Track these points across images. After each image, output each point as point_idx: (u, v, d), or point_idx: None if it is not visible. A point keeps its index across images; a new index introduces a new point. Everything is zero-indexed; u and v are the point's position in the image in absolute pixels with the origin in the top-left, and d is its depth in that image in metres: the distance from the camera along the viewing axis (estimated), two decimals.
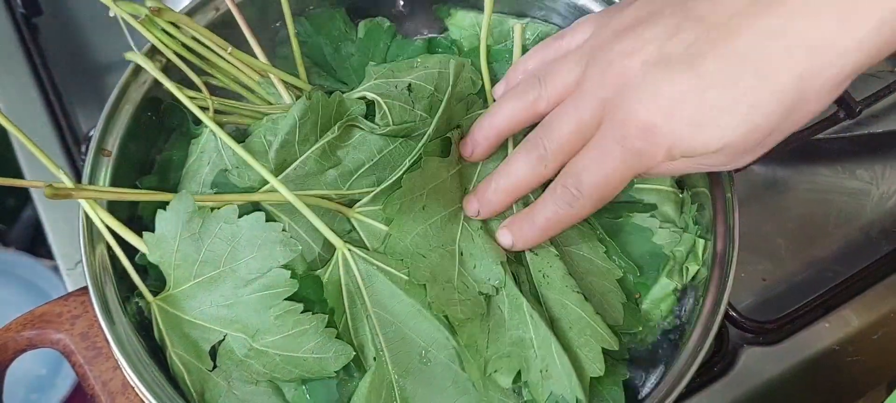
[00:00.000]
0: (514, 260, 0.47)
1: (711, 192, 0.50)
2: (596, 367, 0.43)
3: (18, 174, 0.67)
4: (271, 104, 0.53)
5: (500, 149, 0.49)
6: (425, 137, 0.47)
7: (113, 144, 0.49)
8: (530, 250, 0.46)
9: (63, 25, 0.76)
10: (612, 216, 0.50)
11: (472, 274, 0.45)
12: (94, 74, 0.74)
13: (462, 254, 0.46)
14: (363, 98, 0.51)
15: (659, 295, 0.49)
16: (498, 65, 0.56)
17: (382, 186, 0.46)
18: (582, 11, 0.55)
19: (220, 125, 0.53)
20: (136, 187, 0.51)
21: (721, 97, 0.35)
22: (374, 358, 0.43)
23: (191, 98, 0.50)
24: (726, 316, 0.57)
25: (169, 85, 0.47)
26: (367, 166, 0.49)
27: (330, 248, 0.46)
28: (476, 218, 0.47)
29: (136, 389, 0.41)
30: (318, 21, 0.58)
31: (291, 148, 0.48)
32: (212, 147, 0.49)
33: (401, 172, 0.46)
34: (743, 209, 0.66)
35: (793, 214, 0.67)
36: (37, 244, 1.06)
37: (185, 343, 0.44)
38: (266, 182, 0.47)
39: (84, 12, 0.77)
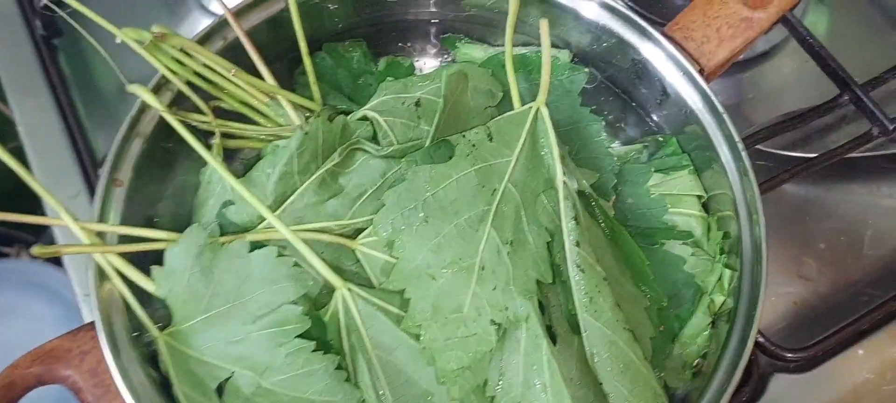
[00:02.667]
0: (556, 276, 0.44)
1: (737, 217, 0.48)
2: None
3: (37, 198, 0.67)
4: (281, 126, 0.52)
5: (530, 149, 0.46)
6: (413, 147, 0.46)
7: (125, 174, 0.49)
8: (577, 266, 0.43)
9: (82, 47, 0.76)
10: (646, 242, 0.49)
11: (489, 297, 0.42)
12: (112, 96, 0.74)
13: (483, 269, 0.43)
14: (365, 118, 0.49)
15: (694, 331, 0.47)
16: (517, 73, 0.55)
17: (379, 212, 0.45)
18: (597, 33, 0.54)
19: (231, 150, 0.53)
20: (150, 216, 0.51)
21: None
22: None
23: (198, 122, 0.49)
24: (757, 344, 0.55)
25: (171, 119, 0.47)
26: (369, 192, 0.48)
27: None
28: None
29: None
30: (337, 54, 0.57)
31: (291, 179, 0.47)
32: (216, 177, 0.49)
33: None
34: (771, 229, 0.64)
35: (825, 235, 0.65)
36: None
37: (191, 379, 0.43)
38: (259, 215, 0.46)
39: (103, 34, 0.77)
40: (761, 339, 0.55)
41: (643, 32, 0.53)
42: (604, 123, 0.55)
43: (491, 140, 0.46)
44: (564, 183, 0.45)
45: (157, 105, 0.48)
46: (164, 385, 0.44)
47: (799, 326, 0.60)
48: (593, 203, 0.47)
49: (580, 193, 0.46)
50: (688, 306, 0.47)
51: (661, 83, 0.53)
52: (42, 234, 1.03)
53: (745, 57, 0.73)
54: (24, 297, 1.02)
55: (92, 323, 0.44)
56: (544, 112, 0.47)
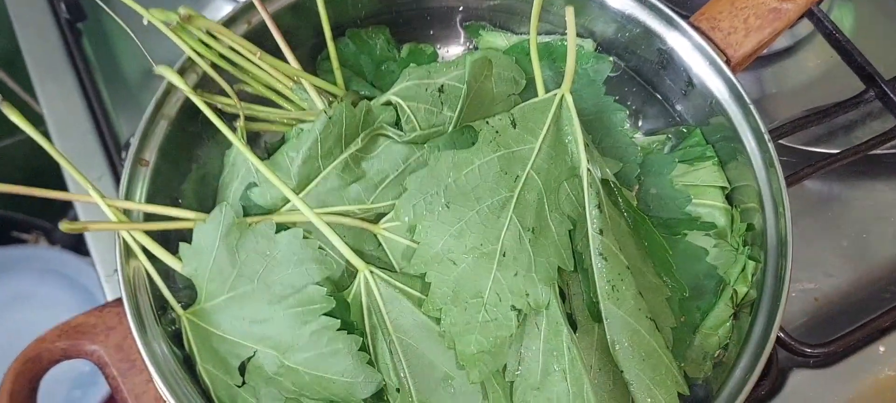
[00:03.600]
0: (577, 264, 0.44)
1: (762, 209, 0.47)
2: None
3: (61, 178, 0.68)
4: (304, 110, 0.52)
5: (554, 136, 0.46)
6: (436, 133, 0.46)
7: (151, 154, 0.49)
8: (600, 254, 0.43)
9: (106, 31, 0.77)
10: (668, 232, 0.48)
11: (510, 283, 0.42)
12: (136, 80, 0.74)
13: (505, 255, 0.43)
14: (389, 103, 0.50)
15: (716, 322, 0.47)
16: (541, 61, 0.54)
17: (401, 197, 0.45)
18: (621, 22, 0.54)
19: (253, 135, 0.53)
20: (175, 197, 0.51)
21: None
22: (397, 390, 0.42)
23: (222, 104, 0.50)
24: (777, 339, 0.54)
25: (198, 101, 0.47)
26: (391, 177, 0.48)
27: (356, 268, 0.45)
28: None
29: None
30: (360, 39, 0.58)
31: (314, 163, 0.47)
32: (241, 160, 0.49)
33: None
34: (795, 226, 0.64)
35: (848, 231, 0.64)
36: (82, 243, 1.08)
37: (214, 357, 0.43)
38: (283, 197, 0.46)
39: (128, 17, 0.78)
40: (781, 334, 0.54)
41: (669, 22, 0.53)
42: (628, 113, 0.55)
43: (514, 127, 0.46)
44: (589, 170, 0.45)
45: (183, 86, 0.49)
46: (186, 363, 0.45)
47: (819, 322, 0.59)
48: (617, 192, 0.47)
49: (604, 182, 0.46)
50: (709, 297, 0.46)
51: (687, 73, 0.52)
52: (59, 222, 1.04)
53: (770, 51, 0.73)
54: (43, 284, 1.04)
55: (118, 300, 0.44)
56: (569, 99, 0.47)
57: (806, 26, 0.71)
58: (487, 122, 0.46)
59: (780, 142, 0.65)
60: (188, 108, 0.51)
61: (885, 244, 0.63)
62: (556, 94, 0.47)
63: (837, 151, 0.60)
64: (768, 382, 0.54)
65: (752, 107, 0.49)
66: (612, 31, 0.56)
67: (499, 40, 0.59)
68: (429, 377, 0.43)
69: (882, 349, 0.56)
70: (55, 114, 0.70)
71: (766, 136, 0.48)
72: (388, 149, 0.49)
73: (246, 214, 0.48)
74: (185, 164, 0.52)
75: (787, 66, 0.74)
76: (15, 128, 0.44)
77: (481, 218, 0.44)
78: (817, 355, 0.55)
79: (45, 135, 0.70)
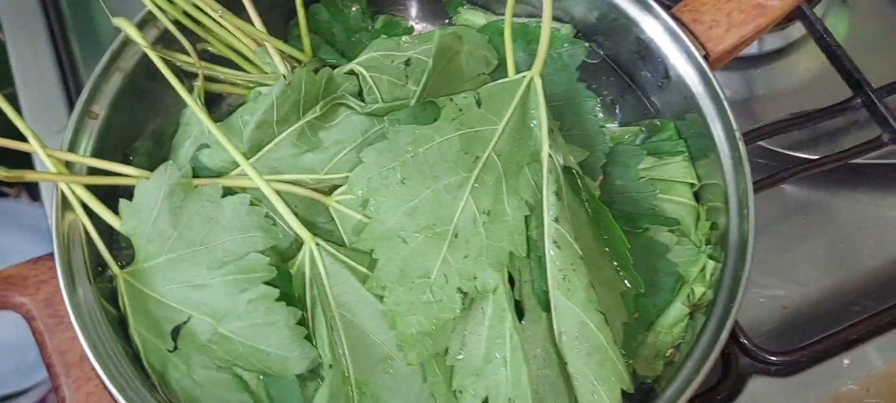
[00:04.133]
0: (531, 251, 0.42)
1: (727, 210, 0.46)
2: None
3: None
4: (267, 74, 0.50)
5: (519, 119, 0.44)
6: (398, 107, 0.44)
7: (101, 107, 0.48)
8: (554, 242, 0.41)
9: None
10: (631, 226, 0.47)
11: (459, 265, 0.41)
12: (109, 40, 0.73)
13: (457, 237, 0.41)
14: (352, 73, 0.48)
15: (672, 321, 0.46)
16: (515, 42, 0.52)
17: (356, 169, 0.43)
18: (603, 8, 0.52)
19: (218, 97, 0.52)
20: (126, 155, 0.49)
21: None
22: (330, 366, 0.41)
23: (182, 62, 0.48)
24: (736, 342, 0.53)
25: (153, 55, 0.46)
26: (349, 148, 0.46)
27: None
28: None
29: (91, 363, 0.39)
30: (334, 7, 0.56)
31: (269, 128, 0.45)
32: (195, 120, 0.47)
33: None
34: (769, 231, 0.63)
35: (825, 240, 0.62)
36: None
37: (147, 320, 0.42)
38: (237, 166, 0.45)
39: None
40: (744, 340, 0.53)
41: (650, 11, 0.51)
42: (599, 101, 0.54)
43: (479, 106, 0.44)
44: (550, 156, 0.43)
45: (140, 40, 0.47)
46: (121, 323, 0.43)
47: (786, 330, 0.58)
48: (579, 181, 0.45)
49: (566, 170, 0.44)
50: (667, 295, 0.45)
51: (664, 65, 0.51)
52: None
53: (761, 52, 0.71)
54: (23, 240, 1.02)
55: (52, 254, 0.42)
56: (538, 82, 0.45)
57: (799, 29, 0.69)
58: (451, 99, 0.44)
59: (761, 143, 0.63)
60: (146, 65, 0.49)
61: (861, 256, 0.61)
62: (525, 76, 0.45)
63: (817, 157, 0.59)
64: (726, 387, 0.52)
65: (726, 104, 0.47)
66: (593, 17, 0.54)
67: (477, 19, 0.57)
68: (368, 356, 0.42)
69: (846, 362, 0.55)
70: (22, 61, 0.68)
71: (738, 135, 0.46)
72: (347, 119, 0.48)
73: (195, 177, 0.46)
74: (141, 122, 0.51)
75: (777, 68, 0.72)
76: None
77: (437, 197, 0.42)
78: (779, 363, 0.54)
79: (11, 82, 0.69)
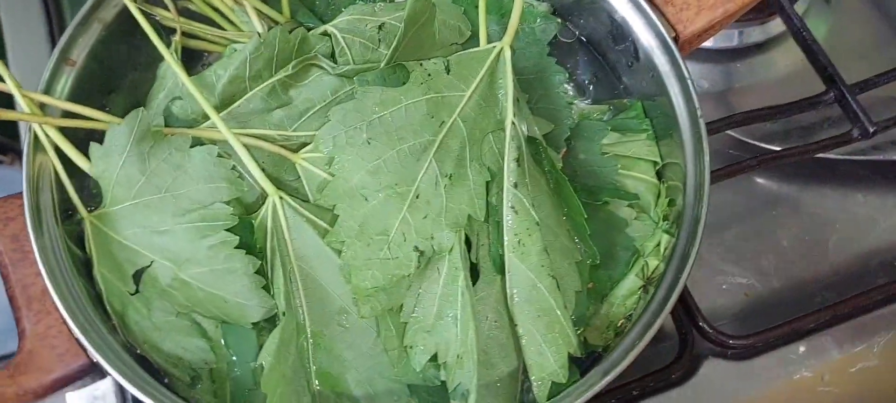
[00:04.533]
0: (490, 215, 0.44)
1: (685, 190, 0.47)
2: (560, 372, 0.41)
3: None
4: (243, 32, 0.51)
5: (487, 87, 0.45)
6: (369, 69, 0.45)
7: (78, 55, 0.48)
8: (512, 207, 0.43)
9: None
10: (591, 199, 0.48)
11: (418, 225, 0.42)
12: None
13: (418, 198, 0.42)
14: (326, 34, 0.49)
15: (625, 293, 0.47)
16: (490, 15, 0.53)
17: (323, 127, 0.44)
18: None
19: (197, 53, 0.53)
20: (102, 104, 0.50)
21: None
22: (284, 313, 0.41)
23: (162, 17, 0.49)
24: (694, 324, 0.54)
25: (131, 5, 0.46)
26: (318, 108, 0.47)
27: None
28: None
29: (52, 298, 0.40)
30: None
31: (241, 84, 0.46)
32: (170, 73, 0.48)
33: None
34: (738, 220, 0.64)
35: (790, 233, 0.63)
36: None
37: (111, 262, 0.43)
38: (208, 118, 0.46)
39: None
40: (702, 323, 0.54)
41: None
42: (574, 80, 0.54)
43: (448, 72, 0.45)
44: (513, 124, 0.44)
45: None
46: (86, 265, 0.44)
47: (746, 316, 0.59)
48: (542, 151, 0.46)
49: (530, 139, 0.45)
50: (622, 268, 0.46)
51: (635, 45, 0.51)
52: None
53: (740, 46, 0.72)
54: None
55: (21, 193, 0.43)
56: (507, 53, 0.46)
57: (779, 25, 0.70)
58: (421, 64, 0.45)
59: (734, 134, 0.64)
60: (126, 17, 0.50)
61: (824, 249, 0.62)
62: (495, 46, 0.46)
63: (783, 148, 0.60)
64: (681, 366, 0.53)
65: (691, 85, 0.48)
66: None
67: None
68: (325, 308, 0.43)
69: (802, 349, 0.56)
70: (12, 16, 0.69)
71: (700, 116, 0.47)
72: (318, 79, 0.48)
73: (168, 126, 0.47)
74: (118, 75, 0.52)
75: (757, 61, 0.72)
76: None
77: (401, 159, 0.43)
78: (736, 346, 0.55)
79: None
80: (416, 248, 0.41)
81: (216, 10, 0.52)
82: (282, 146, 0.46)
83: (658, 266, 0.45)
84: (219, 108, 0.46)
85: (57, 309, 0.40)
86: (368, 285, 0.41)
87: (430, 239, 0.42)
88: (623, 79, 0.55)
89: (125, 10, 0.50)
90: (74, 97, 0.47)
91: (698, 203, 0.45)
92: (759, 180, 0.66)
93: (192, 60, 0.53)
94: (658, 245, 0.46)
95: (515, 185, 0.43)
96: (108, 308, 0.43)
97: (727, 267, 0.61)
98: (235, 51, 0.48)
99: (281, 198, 0.44)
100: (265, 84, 0.47)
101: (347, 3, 0.55)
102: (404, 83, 0.45)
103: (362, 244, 0.41)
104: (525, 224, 0.42)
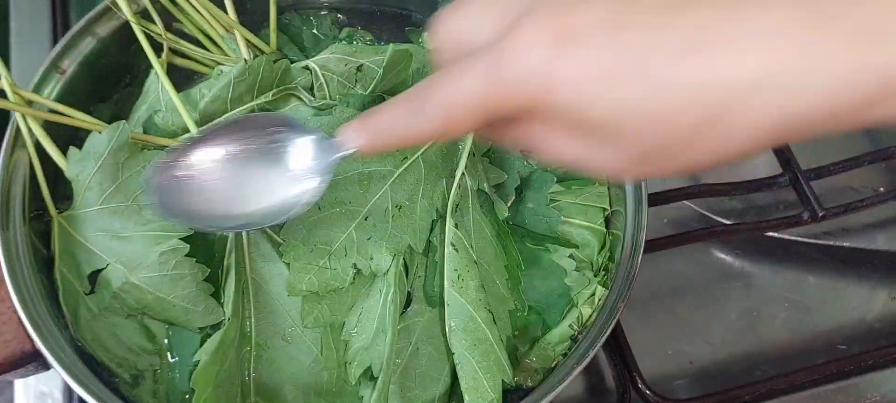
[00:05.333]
0: (428, 250, 0.47)
1: (623, 237, 0.49)
2: (494, 397, 0.43)
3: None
4: (229, 57, 0.54)
5: None
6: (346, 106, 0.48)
7: (70, 64, 0.51)
8: (452, 244, 0.45)
9: None
10: (535, 244, 0.50)
11: (360, 243, 0.44)
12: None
13: (366, 220, 0.45)
14: (307, 68, 0.52)
15: (557, 339, 0.48)
16: None
17: None
18: None
19: (182, 71, 0.55)
20: (89, 111, 0.53)
21: (632, 58, 0.25)
22: (229, 319, 0.43)
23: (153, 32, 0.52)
24: (634, 386, 0.55)
25: (132, 18, 0.50)
26: None
27: None
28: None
29: (7, 288, 0.42)
30: (306, 17, 0.60)
31: (223, 104, 0.49)
32: (154, 87, 0.51)
33: None
34: (689, 289, 0.66)
35: (740, 306, 0.65)
36: None
37: (70, 262, 0.45)
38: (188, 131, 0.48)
39: None
40: (642, 385, 0.55)
41: None
42: None
43: None
44: (463, 175, 0.47)
45: (125, 7, 0.51)
46: (47, 263, 0.46)
47: (688, 384, 0.60)
48: (488, 204, 0.49)
49: (479, 191, 0.48)
50: (556, 315, 0.48)
51: None
52: None
53: None
54: None
55: None
56: None
57: None
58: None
59: (692, 205, 0.66)
60: (122, 34, 0.54)
61: (772, 326, 0.64)
62: None
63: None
64: None
65: None
66: None
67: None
68: (272, 322, 0.45)
69: None
70: (20, 22, 0.72)
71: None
72: (295, 109, 0.51)
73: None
74: (107, 87, 0.55)
75: None
76: None
77: (360, 181, 0.46)
78: None
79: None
80: (355, 266, 0.44)
81: (206, 34, 0.55)
82: None
83: (591, 315, 0.47)
84: (198, 123, 0.49)
85: (10, 299, 0.42)
86: (303, 287, 0.43)
87: (370, 259, 0.45)
88: None
89: (120, 27, 0.53)
90: (62, 100, 0.50)
91: (633, 256, 0.47)
92: (717, 253, 0.68)
93: (181, 80, 0.56)
94: (593, 295, 0.48)
95: (456, 225, 0.46)
96: (62, 304, 0.45)
97: (675, 333, 0.63)
98: (222, 73, 0.51)
99: None
100: (245, 106, 0.50)
101: (332, 42, 0.58)
102: None
103: (306, 248, 0.44)
104: (464, 261, 0.45)
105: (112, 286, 0.44)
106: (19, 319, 0.42)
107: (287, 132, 0.38)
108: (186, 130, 0.49)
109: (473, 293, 0.44)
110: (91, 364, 0.44)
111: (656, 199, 0.60)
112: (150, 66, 0.54)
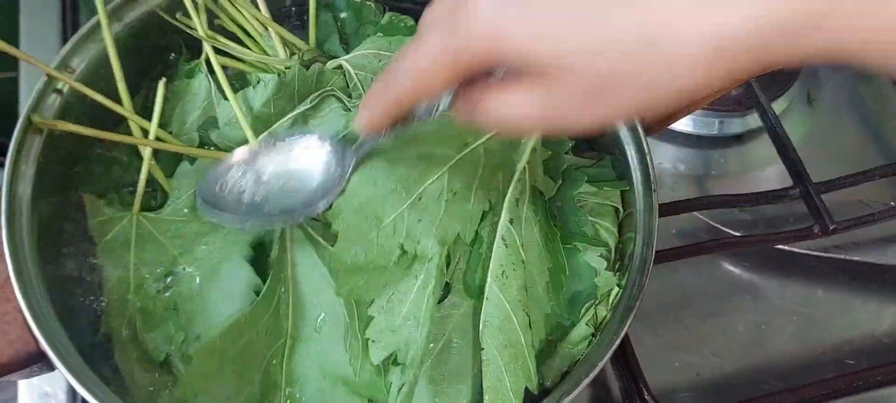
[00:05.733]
0: (475, 242, 0.46)
1: (636, 238, 0.48)
2: (515, 402, 0.43)
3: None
4: (268, 55, 0.54)
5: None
6: None
7: (78, 63, 0.51)
8: (503, 239, 0.46)
9: None
10: (564, 245, 0.50)
11: (410, 224, 0.44)
12: None
13: (420, 200, 0.45)
14: (339, 67, 0.52)
15: (577, 339, 0.48)
16: None
17: None
18: None
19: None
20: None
21: (565, 6, 0.29)
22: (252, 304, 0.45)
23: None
24: (640, 396, 0.55)
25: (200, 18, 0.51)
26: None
27: None
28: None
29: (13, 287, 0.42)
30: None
31: (267, 117, 0.51)
32: (203, 92, 0.52)
33: None
34: (698, 300, 0.65)
35: (748, 319, 0.65)
36: None
37: (143, 257, 0.48)
38: (241, 141, 0.51)
39: None
40: (648, 396, 0.55)
41: None
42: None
43: None
44: (524, 169, 0.48)
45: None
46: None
47: (695, 396, 0.60)
48: (541, 205, 0.49)
49: (535, 188, 0.48)
50: (576, 316, 0.48)
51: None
52: None
53: (720, 135, 0.74)
54: None
55: None
56: None
57: (758, 119, 0.72)
58: None
59: (702, 217, 0.66)
60: (150, 26, 0.54)
61: (779, 339, 0.63)
62: None
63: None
64: None
65: (651, 164, 0.50)
66: None
67: None
68: (306, 317, 0.46)
69: None
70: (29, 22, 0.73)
71: (651, 167, 0.49)
72: (335, 112, 0.52)
73: (200, 144, 0.52)
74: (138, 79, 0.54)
75: (734, 152, 0.75)
76: None
77: (420, 162, 0.46)
78: None
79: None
80: (401, 247, 0.44)
81: (245, 31, 0.55)
82: None
83: (606, 315, 0.47)
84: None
85: (16, 299, 0.42)
86: (347, 259, 0.43)
87: (417, 242, 0.44)
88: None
89: (147, 18, 0.53)
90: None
91: (647, 250, 0.47)
92: (726, 265, 0.68)
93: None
94: (608, 294, 0.47)
95: (511, 221, 0.46)
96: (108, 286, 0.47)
97: (682, 345, 0.62)
98: (260, 82, 0.52)
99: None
100: (287, 116, 0.51)
101: (375, 31, 0.58)
102: None
103: (357, 218, 0.44)
104: (512, 259, 0.45)
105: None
106: (24, 319, 0.41)
107: (315, 141, 0.46)
108: (239, 142, 0.50)
109: (515, 292, 0.44)
110: (94, 366, 0.43)
111: (666, 210, 0.60)
112: (180, 58, 0.55)
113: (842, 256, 0.66)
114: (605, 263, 0.49)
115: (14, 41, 0.71)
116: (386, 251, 0.43)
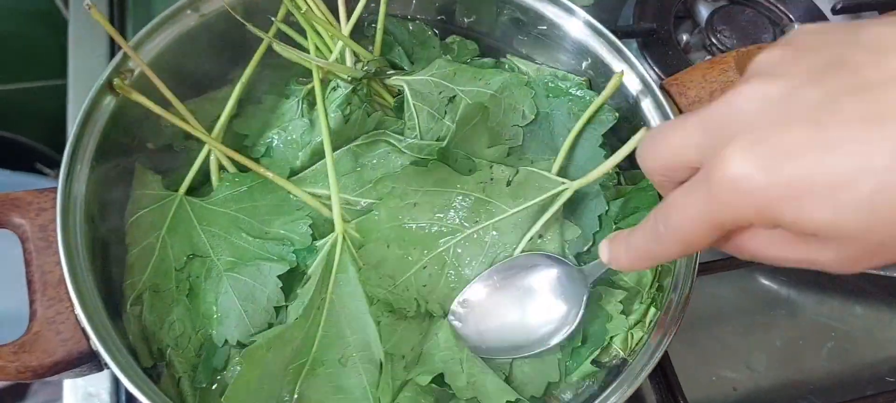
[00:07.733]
0: None
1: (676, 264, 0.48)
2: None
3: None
4: (339, 64, 0.55)
5: (533, 212, 0.50)
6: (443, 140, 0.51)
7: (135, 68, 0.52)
8: None
9: None
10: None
11: (418, 286, 0.47)
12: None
13: (424, 268, 0.48)
14: (401, 93, 0.54)
15: (580, 376, 0.49)
16: (557, 99, 0.57)
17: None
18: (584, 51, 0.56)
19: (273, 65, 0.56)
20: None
21: (845, 165, 0.26)
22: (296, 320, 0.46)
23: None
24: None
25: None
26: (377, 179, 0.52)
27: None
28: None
29: (67, 288, 0.42)
30: (400, 21, 0.62)
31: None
32: (290, 117, 0.54)
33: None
34: (735, 315, 0.65)
35: (786, 335, 0.64)
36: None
37: (179, 238, 0.49)
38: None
39: None
40: None
41: (645, 84, 0.54)
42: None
43: (508, 184, 0.50)
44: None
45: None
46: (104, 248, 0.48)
47: None
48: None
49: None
50: (581, 358, 0.48)
51: (647, 126, 0.54)
52: None
53: None
54: None
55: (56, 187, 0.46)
56: (567, 195, 0.49)
57: None
58: (491, 166, 0.50)
59: None
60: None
61: (816, 355, 0.63)
62: (562, 186, 0.49)
63: None
64: None
65: None
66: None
67: (522, 66, 0.60)
68: (334, 346, 0.46)
69: None
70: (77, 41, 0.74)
71: None
72: (385, 155, 0.53)
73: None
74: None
75: None
76: None
77: (430, 231, 0.49)
78: None
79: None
80: (416, 301, 0.47)
81: (318, 33, 0.55)
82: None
83: (642, 337, 0.47)
84: (304, 163, 0.54)
85: (69, 299, 0.42)
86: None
87: (425, 302, 0.47)
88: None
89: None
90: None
91: (689, 272, 0.47)
92: (763, 280, 0.67)
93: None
94: (644, 317, 0.47)
95: None
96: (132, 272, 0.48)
97: (720, 360, 0.62)
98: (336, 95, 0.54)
99: (344, 236, 0.49)
100: (340, 151, 0.53)
101: (435, 55, 0.59)
102: (470, 171, 0.50)
103: (375, 275, 0.47)
104: None
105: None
106: (77, 318, 0.42)
107: (544, 264, 0.48)
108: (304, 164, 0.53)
109: None
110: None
111: None
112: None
113: (881, 272, 0.66)
114: (622, 307, 0.49)
115: (63, 52, 0.72)
116: (404, 303, 0.47)
